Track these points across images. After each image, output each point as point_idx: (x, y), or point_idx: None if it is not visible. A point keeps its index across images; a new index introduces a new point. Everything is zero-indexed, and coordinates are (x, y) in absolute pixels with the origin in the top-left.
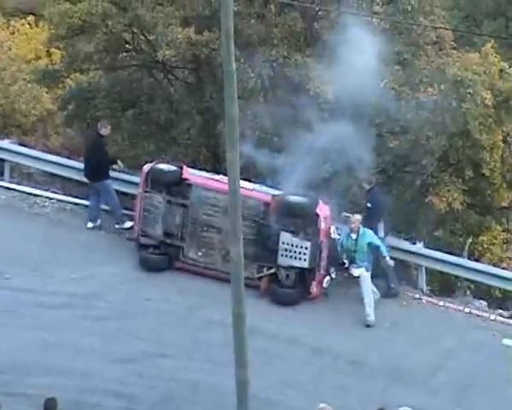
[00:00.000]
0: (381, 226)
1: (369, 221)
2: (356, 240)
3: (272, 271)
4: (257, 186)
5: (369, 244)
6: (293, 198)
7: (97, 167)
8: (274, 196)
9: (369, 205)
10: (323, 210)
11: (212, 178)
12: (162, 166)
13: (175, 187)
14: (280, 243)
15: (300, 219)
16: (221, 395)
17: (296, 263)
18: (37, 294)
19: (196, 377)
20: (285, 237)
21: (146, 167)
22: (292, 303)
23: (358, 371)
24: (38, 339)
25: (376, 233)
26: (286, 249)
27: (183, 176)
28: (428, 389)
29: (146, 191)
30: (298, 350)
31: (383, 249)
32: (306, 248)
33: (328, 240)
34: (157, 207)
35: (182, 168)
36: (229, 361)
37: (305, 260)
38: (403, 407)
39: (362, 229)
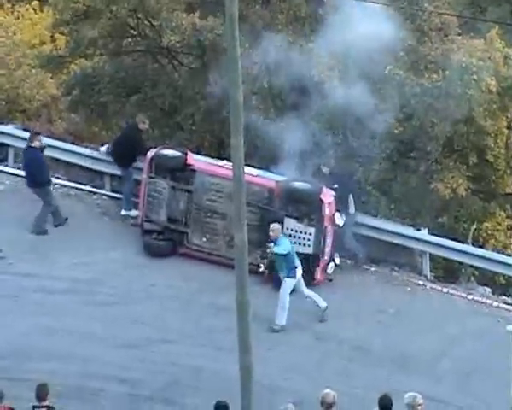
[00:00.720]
0: (351, 203)
1: (339, 202)
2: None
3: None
4: (261, 172)
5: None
6: (298, 184)
7: (128, 156)
8: (278, 181)
9: (335, 186)
10: (327, 196)
11: (217, 164)
12: (166, 151)
13: (179, 173)
14: (284, 229)
15: (304, 205)
16: (225, 380)
17: (300, 249)
18: (40, 279)
19: (200, 362)
20: (289, 222)
21: (150, 153)
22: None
23: (363, 357)
24: (41, 324)
25: (348, 211)
26: (290, 235)
27: (188, 162)
28: (432, 376)
29: (150, 177)
30: (302, 336)
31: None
32: (310, 234)
33: (332, 226)
34: (161, 193)
35: (186, 154)
36: (232, 347)
37: (309, 245)
38: (410, 392)
39: (280, 239)
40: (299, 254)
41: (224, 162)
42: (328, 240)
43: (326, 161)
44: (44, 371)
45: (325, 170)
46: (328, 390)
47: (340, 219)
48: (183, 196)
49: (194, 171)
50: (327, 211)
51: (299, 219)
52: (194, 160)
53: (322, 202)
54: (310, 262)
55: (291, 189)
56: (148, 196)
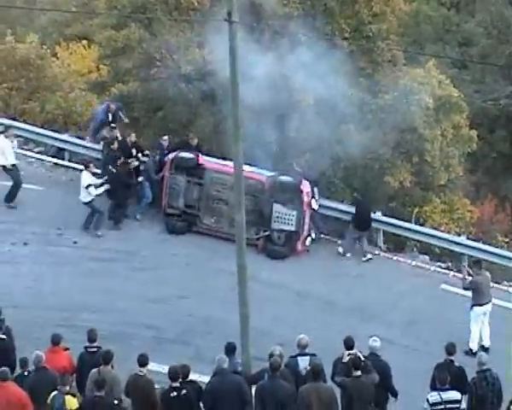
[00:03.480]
0: (316, 193)
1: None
2: None
3: (267, 233)
4: (254, 169)
5: None
6: (283, 178)
7: None
8: (268, 176)
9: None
10: (306, 187)
11: (221, 163)
12: (183, 154)
13: (193, 170)
14: (273, 212)
15: (289, 193)
16: (228, 326)
17: (285, 227)
18: (90, 250)
19: (209, 313)
20: (277, 207)
21: (171, 155)
22: (282, 258)
23: (332, 310)
24: (90, 285)
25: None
26: (277, 217)
27: (199, 162)
28: (384, 323)
29: (171, 173)
30: (286, 293)
31: None
32: (293, 216)
33: (309, 209)
34: (179, 186)
35: (198, 156)
36: (234, 300)
37: (292, 224)
38: (373, 336)
39: None
40: (284, 231)
41: (227, 162)
42: (307, 220)
43: (298, 161)
44: (93, 321)
45: (297, 168)
46: (302, 335)
47: (315, 204)
48: (196, 188)
49: (204, 169)
50: (305, 198)
51: (284, 204)
52: (204, 160)
53: (301, 191)
54: (293, 237)
55: (278, 182)
56: (169, 188)
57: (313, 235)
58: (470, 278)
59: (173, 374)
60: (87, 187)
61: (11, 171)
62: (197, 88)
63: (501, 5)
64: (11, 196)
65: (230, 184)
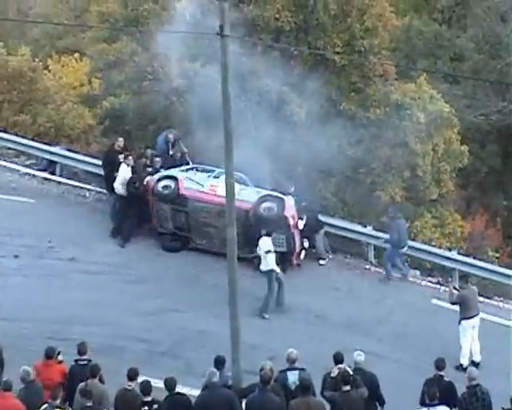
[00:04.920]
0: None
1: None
2: None
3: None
4: (242, 188)
5: None
6: (264, 211)
7: None
8: (253, 203)
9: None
10: (289, 210)
11: (203, 192)
12: (163, 183)
13: (175, 200)
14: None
15: (273, 224)
16: (220, 340)
17: (277, 249)
18: (81, 263)
19: (202, 327)
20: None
21: (151, 182)
22: None
23: (322, 323)
24: (81, 298)
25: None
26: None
27: (180, 193)
28: (375, 338)
29: (155, 200)
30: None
31: None
32: (282, 239)
33: (297, 230)
34: (165, 211)
35: (178, 186)
36: (225, 314)
37: (283, 246)
38: (357, 351)
39: None
40: (277, 252)
41: (209, 186)
42: (297, 238)
43: (289, 183)
44: (84, 333)
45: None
46: (291, 349)
47: (301, 225)
48: (182, 215)
49: (186, 198)
50: (291, 221)
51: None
52: (185, 189)
53: (286, 218)
54: (286, 255)
55: (260, 214)
56: (156, 211)
57: (305, 244)
58: (457, 292)
59: (145, 388)
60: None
61: None
62: (188, 101)
63: (492, 21)
64: None
65: (215, 211)
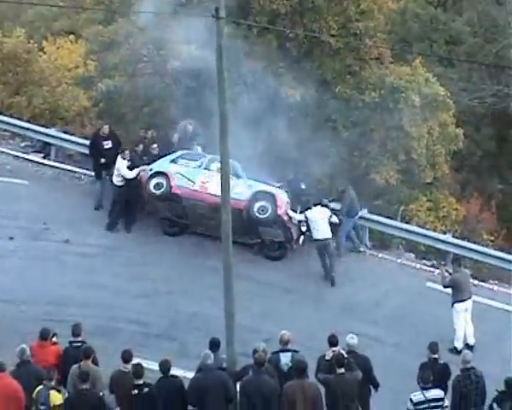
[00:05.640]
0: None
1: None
2: None
3: (259, 240)
4: (235, 182)
5: None
6: (258, 212)
7: None
8: (247, 201)
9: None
10: (281, 206)
11: (195, 190)
12: (153, 182)
13: (169, 197)
14: (259, 229)
15: (268, 223)
16: (215, 322)
17: (275, 238)
18: (76, 245)
19: (197, 309)
20: (261, 228)
21: (143, 177)
22: (279, 259)
23: (319, 306)
24: (76, 280)
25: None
26: (264, 232)
27: (172, 191)
28: (370, 321)
29: (149, 195)
30: (272, 290)
31: None
32: (279, 232)
33: (292, 221)
34: (162, 204)
35: (170, 182)
36: (221, 298)
37: (280, 236)
38: (350, 334)
39: None
40: (274, 241)
41: (200, 184)
42: (293, 229)
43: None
44: (78, 315)
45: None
46: (284, 331)
47: (295, 219)
48: (178, 207)
49: (179, 196)
50: (285, 217)
51: (266, 226)
52: (177, 187)
53: (279, 216)
54: (285, 243)
55: (254, 216)
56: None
57: (303, 229)
58: (449, 275)
59: (137, 371)
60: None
61: None
62: (184, 84)
63: (488, 4)
64: None
65: (209, 207)
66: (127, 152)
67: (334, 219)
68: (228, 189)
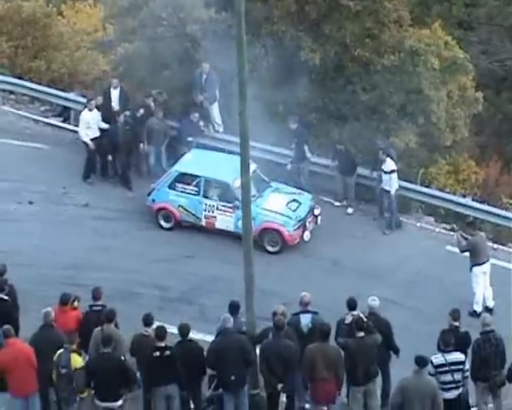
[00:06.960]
0: (307, 150)
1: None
2: None
3: None
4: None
5: None
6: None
7: None
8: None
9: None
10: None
11: (201, 226)
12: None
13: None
14: None
15: None
16: (234, 286)
17: None
18: (95, 209)
19: (216, 273)
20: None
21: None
22: None
23: (337, 270)
24: (95, 244)
25: (306, 156)
26: None
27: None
28: (389, 284)
29: None
30: (291, 254)
31: None
32: None
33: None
34: None
35: (175, 217)
36: (240, 261)
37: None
38: (372, 296)
39: None
40: None
41: (205, 221)
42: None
43: (292, 119)
44: (98, 279)
45: (292, 126)
46: (304, 292)
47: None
48: None
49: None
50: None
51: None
52: (183, 221)
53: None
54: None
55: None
56: None
57: (317, 213)
58: (465, 239)
59: (160, 334)
60: None
61: None
62: (203, 47)
63: None
64: None
65: None
66: (92, 102)
67: None
68: (249, 193)
